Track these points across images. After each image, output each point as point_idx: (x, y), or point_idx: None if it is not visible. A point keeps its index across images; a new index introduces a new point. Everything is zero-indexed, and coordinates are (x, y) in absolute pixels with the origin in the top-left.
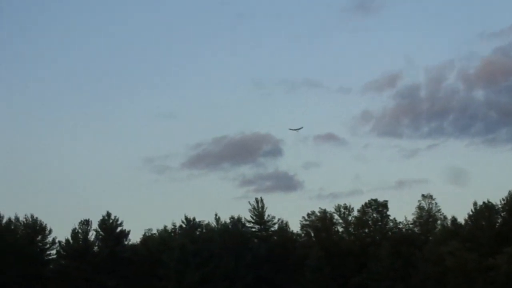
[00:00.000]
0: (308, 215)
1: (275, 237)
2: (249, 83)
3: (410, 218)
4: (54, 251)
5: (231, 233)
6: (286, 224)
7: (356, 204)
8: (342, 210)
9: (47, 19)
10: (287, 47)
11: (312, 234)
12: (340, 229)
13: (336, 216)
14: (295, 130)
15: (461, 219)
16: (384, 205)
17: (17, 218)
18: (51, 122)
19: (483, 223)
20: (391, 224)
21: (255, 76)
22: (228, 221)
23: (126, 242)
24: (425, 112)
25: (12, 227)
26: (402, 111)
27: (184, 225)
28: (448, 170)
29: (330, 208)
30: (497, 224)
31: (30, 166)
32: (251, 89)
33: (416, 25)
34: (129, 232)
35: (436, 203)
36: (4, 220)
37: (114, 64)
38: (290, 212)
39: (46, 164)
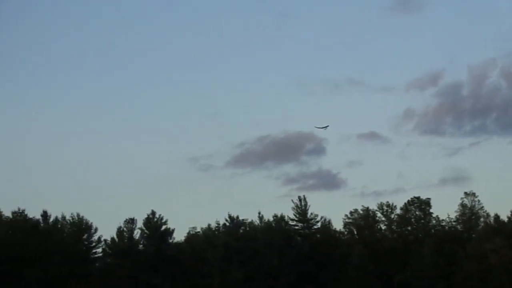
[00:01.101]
0: (351, 213)
1: (318, 235)
2: (292, 82)
3: (453, 215)
4: (100, 250)
5: (274, 231)
6: (329, 222)
7: (399, 202)
8: (385, 208)
9: (101, 18)
10: (329, 46)
11: (355, 232)
12: (383, 227)
13: (379, 214)
14: (321, 128)
15: (504, 217)
16: (427, 202)
17: (63, 217)
18: (97, 122)
19: None
20: (434, 221)
21: (298, 75)
22: (271, 219)
23: (170, 241)
24: (467, 110)
25: (59, 226)
26: (444, 109)
27: (228, 224)
28: (490, 168)
29: (373, 206)
30: None
31: (77, 166)
32: (294, 88)
33: (458, 23)
34: (173, 230)
35: (479, 201)
36: (51, 219)
37: (159, 64)
38: (333, 210)
39: (92, 164)
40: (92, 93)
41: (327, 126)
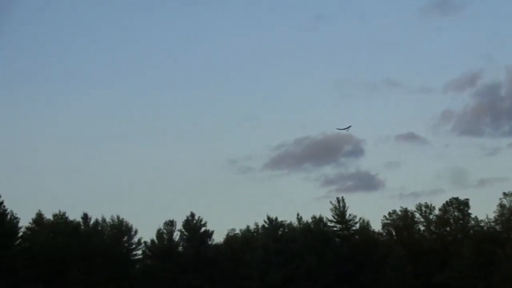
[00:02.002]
0: (390, 214)
1: (357, 236)
2: (330, 84)
3: (492, 216)
4: (140, 252)
5: (313, 232)
6: (368, 223)
7: (438, 202)
8: (424, 208)
9: (140, 19)
10: (367, 47)
11: (394, 233)
12: (422, 228)
13: (417, 215)
14: (343, 129)
15: None
16: (466, 203)
17: (104, 220)
18: (137, 125)
19: None
20: (473, 222)
21: (336, 76)
22: (310, 220)
23: (210, 242)
24: (506, 110)
25: (99, 228)
26: (482, 109)
27: (266, 225)
28: None
29: (411, 207)
30: None
31: (117, 168)
32: (332, 89)
33: (496, 24)
34: (212, 232)
35: None
36: (92, 222)
37: (198, 67)
38: (371, 211)
39: (132, 166)
40: (132, 96)
41: (350, 126)
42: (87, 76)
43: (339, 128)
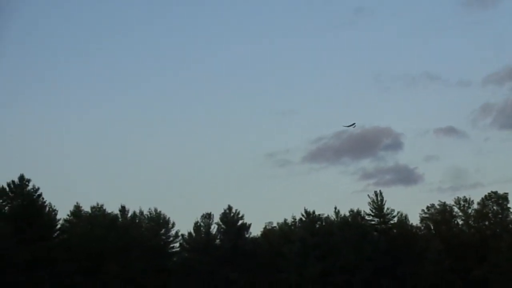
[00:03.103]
0: (428, 208)
1: (395, 230)
2: (369, 77)
3: None
4: (177, 244)
5: (350, 226)
6: (406, 217)
7: (476, 197)
8: (462, 203)
9: (177, 17)
10: (406, 41)
11: (432, 227)
12: (460, 222)
13: (456, 209)
14: (347, 126)
15: None
16: (505, 197)
17: (141, 212)
18: (175, 118)
19: None
20: None
21: (374, 70)
22: (347, 214)
23: (247, 235)
24: None
25: (137, 221)
26: None
27: (304, 218)
28: None
29: (450, 201)
30: None
31: (154, 162)
32: (371, 83)
33: None
34: (250, 225)
35: None
36: (129, 214)
37: (237, 61)
38: (409, 205)
39: (170, 159)
40: (169, 90)
41: (354, 124)
42: (128, 68)
43: (345, 125)
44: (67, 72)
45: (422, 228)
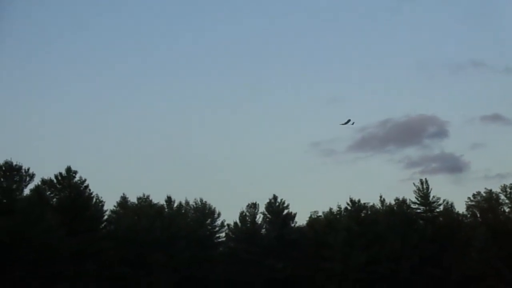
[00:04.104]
0: (474, 195)
1: (441, 218)
2: (413, 65)
3: None
4: (223, 234)
5: (396, 214)
6: (452, 205)
7: None
8: (509, 190)
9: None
10: (451, 28)
11: (478, 215)
12: (507, 210)
13: (502, 196)
14: (344, 124)
15: None
16: None
17: (187, 203)
18: (220, 110)
19: None
20: None
21: (419, 58)
22: (393, 202)
23: (292, 225)
24: None
25: (183, 211)
26: None
27: (349, 207)
28: None
29: (496, 189)
30: None
31: (200, 152)
32: (415, 71)
33: None
34: (295, 214)
35: None
36: (175, 205)
37: (280, 50)
38: (455, 193)
39: (214, 150)
40: (213, 80)
41: (349, 120)
42: (171, 63)
43: (342, 123)
44: (113, 64)
45: (468, 216)
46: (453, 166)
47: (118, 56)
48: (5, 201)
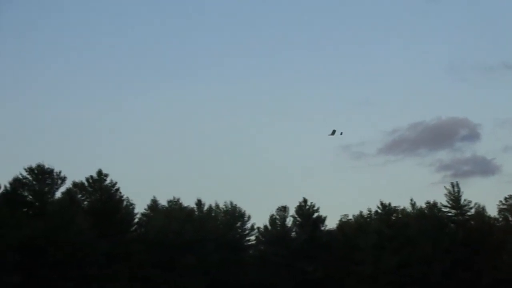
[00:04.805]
0: (506, 199)
1: (472, 222)
2: (445, 68)
3: None
4: (253, 237)
5: (427, 218)
6: (483, 208)
7: None
8: None
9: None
10: (482, 30)
11: (510, 218)
12: None
13: None
14: (331, 135)
15: None
16: None
17: (217, 205)
18: (250, 112)
19: None
20: None
21: (450, 60)
22: (424, 206)
23: (322, 228)
24: None
25: (213, 214)
26: None
27: (380, 210)
28: None
29: None
30: None
31: (229, 155)
32: (447, 73)
33: None
34: (325, 217)
35: None
36: (205, 208)
37: (312, 52)
38: (487, 196)
39: (244, 152)
40: (245, 84)
41: (334, 131)
42: (205, 67)
43: (329, 134)
44: (143, 68)
45: (500, 219)
46: (485, 169)
47: (148, 60)
48: (37, 204)
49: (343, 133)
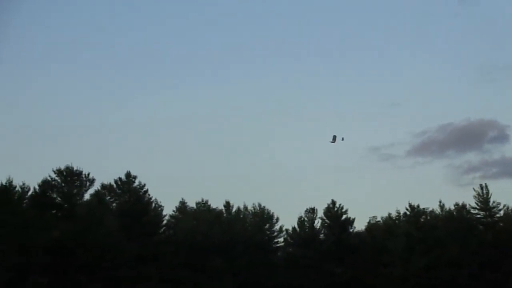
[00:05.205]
0: None
1: (501, 224)
2: (473, 69)
3: None
4: (281, 239)
5: (456, 219)
6: None
7: None
8: None
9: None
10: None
11: None
12: None
13: None
14: (333, 142)
15: None
16: None
17: (245, 207)
18: (279, 114)
19: None
20: None
21: (479, 62)
22: (452, 208)
23: (351, 230)
24: None
25: (241, 216)
26: None
27: (408, 212)
28: None
29: None
30: None
31: (257, 157)
32: (475, 75)
33: None
34: (354, 219)
35: None
36: (234, 210)
37: (340, 53)
38: None
39: (272, 155)
40: (272, 89)
41: (335, 137)
42: (232, 70)
43: (331, 141)
44: (173, 70)
45: None
46: None
47: (179, 61)
48: (66, 206)
49: (344, 139)
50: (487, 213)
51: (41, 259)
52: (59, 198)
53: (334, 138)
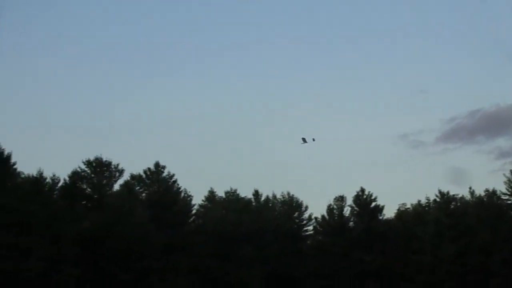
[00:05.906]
0: None
1: None
2: (503, 55)
3: None
4: (310, 227)
5: (486, 206)
6: None
7: None
8: None
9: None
10: None
11: None
12: None
13: None
14: (303, 143)
15: None
16: None
17: (274, 196)
18: (306, 102)
19: None
20: None
21: (509, 47)
22: (483, 194)
23: (380, 217)
24: None
25: (270, 204)
26: None
27: (438, 199)
28: None
29: None
30: None
31: (286, 146)
32: (505, 60)
33: None
34: (383, 207)
35: None
36: (263, 198)
37: (368, 41)
38: None
39: (301, 142)
40: (299, 78)
41: (304, 139)
42: (255, 60)
43: (302, 142)
44: (197, 61)
45: None
46: None
47: (203, 54)
48: (95, 196)
49: (315, 139)
50: None
51: (71, 250)
52: (89, 189)
53: (304, 140)
